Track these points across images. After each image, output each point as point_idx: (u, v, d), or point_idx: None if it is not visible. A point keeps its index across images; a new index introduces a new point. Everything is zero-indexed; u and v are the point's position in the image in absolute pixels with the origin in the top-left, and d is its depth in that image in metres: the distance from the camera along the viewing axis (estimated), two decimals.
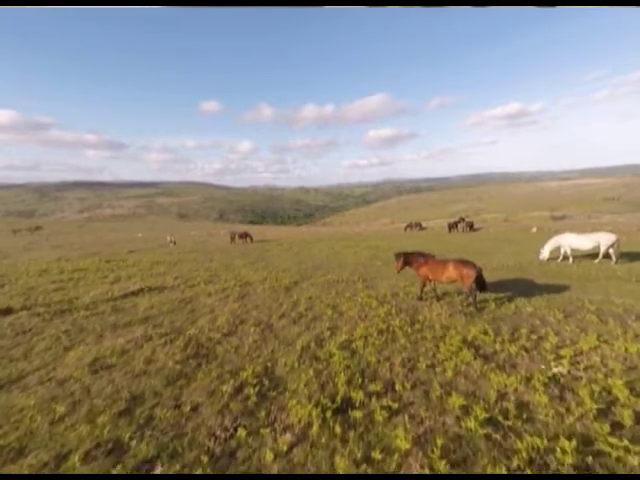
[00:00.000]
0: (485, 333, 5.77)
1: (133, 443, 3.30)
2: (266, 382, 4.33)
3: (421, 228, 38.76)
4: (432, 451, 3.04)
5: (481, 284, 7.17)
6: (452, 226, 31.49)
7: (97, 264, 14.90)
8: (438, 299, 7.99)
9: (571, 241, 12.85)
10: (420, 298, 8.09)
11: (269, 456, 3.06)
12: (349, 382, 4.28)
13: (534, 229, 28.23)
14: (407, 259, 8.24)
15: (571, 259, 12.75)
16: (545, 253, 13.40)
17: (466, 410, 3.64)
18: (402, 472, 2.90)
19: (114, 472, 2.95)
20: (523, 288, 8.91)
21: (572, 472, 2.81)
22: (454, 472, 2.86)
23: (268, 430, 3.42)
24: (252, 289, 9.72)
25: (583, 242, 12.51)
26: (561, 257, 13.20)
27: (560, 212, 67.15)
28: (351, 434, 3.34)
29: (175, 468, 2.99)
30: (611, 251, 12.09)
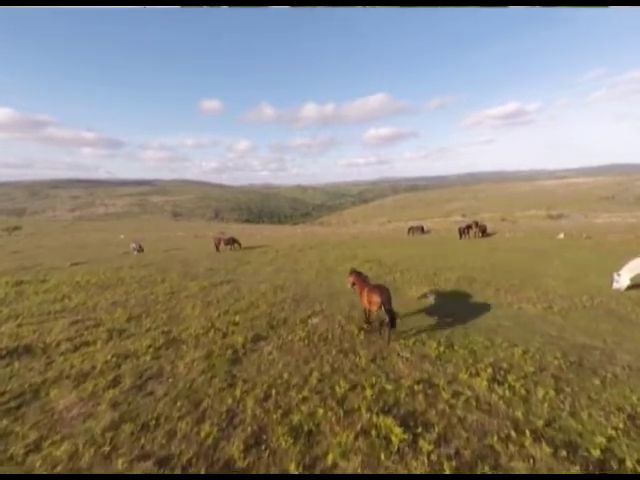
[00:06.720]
0: None
1: None
2: None
3: (422, 232, 34.48)
4: None
5: (390, 315, 5.92)
6: (463, 231, 27.28)
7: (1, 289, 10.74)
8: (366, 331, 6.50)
9: None
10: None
11: None
12: None
13: (561, 235, 24.11)
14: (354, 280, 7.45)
15: None
16: (623, 281, 9.40)
17: None
18: None
19: None
20: None
21: None
22: None
23: None
24: (172, 358, 5.61)
25: None
26: None
27: (557, 211, 64.38)
28: None
29: None
30: None
